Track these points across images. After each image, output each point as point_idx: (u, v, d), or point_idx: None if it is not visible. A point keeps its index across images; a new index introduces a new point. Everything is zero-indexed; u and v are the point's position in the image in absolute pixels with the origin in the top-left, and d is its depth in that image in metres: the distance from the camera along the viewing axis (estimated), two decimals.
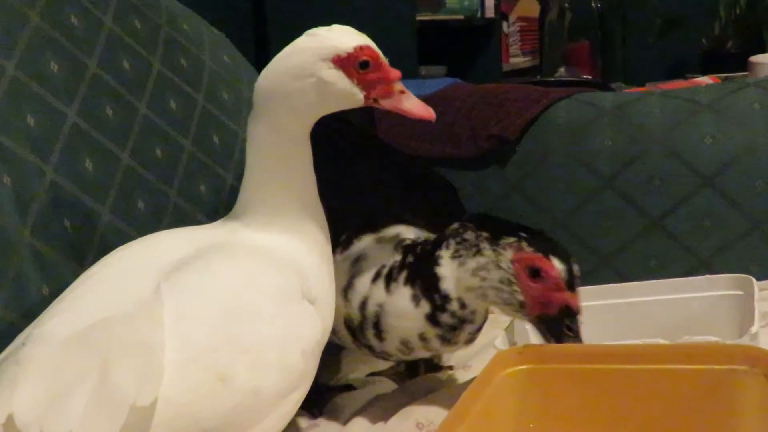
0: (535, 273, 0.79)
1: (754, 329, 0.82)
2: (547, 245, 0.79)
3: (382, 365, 1.11)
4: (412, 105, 0.77)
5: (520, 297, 0.80)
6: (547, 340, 0.80)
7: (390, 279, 0.85)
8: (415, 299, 0.84)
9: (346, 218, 0.90)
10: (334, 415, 0.94)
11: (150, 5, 1.14)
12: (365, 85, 0.75)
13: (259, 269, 0.74)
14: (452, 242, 0.84)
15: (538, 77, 2.52)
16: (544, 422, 0.73)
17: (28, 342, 0.62)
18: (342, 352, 1.13)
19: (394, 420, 0.88)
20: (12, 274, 0.80)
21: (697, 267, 1.23)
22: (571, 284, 0.79)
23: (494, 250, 0.81)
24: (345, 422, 0.91)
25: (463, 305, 0.83)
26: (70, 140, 0.91)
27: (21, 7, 0.91)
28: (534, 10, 3.05)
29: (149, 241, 0.78)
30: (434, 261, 0.84)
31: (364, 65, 0.74)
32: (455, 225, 0.85)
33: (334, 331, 0.91)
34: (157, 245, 0.76)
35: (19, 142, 0.85)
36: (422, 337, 0.85)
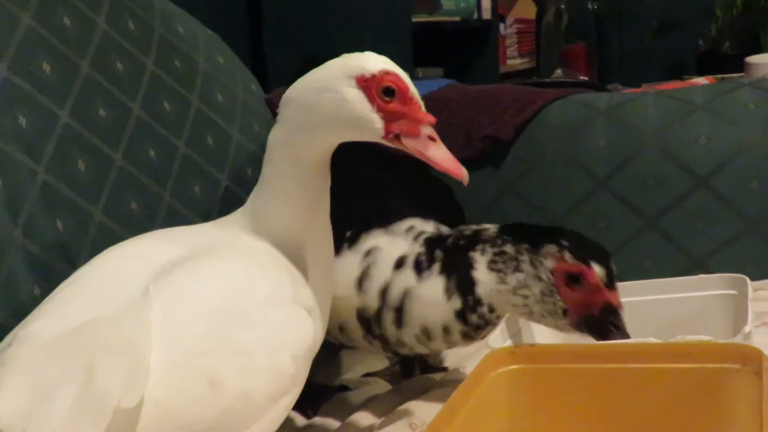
0: (574, 280, 0.81)
1: (747, 329, 0.82)
2: (586, 251, 0.81)
3: (378, 366, 1.11)
4: (439, 155, 0.72)
5: (563, 305, 0.81)
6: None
7: (420, 268, 0.86)
8: (448, 292, 0.85)
9: (349, 217, 0.90)
10: (329, 416, 0.94)
11: (143, 6, 1.14)
12: (386, 115, 0.71)
13: (251, 273, 0.73)
14: (489, 250, 0.85)
15: (535, 78, 2.52)
16: (536, 422, 0.73)
17: (15, 342, 0.61)
18: (338, 353, 1.13)
19: (388, 420, 0.88)
20: (3, 274, 0.79)
21: (691, 267, 1.23)
22: (610, 283, 0.81)
23: (533, 263, 0.82)
24: (339, 423, 0.91)
25: (491, 309, 0.85)
26: (63, 141, 0.91)
27: (13, 8, 0.91)
28: (531, 11, 3.05)
29: (141, 241, 0.77)
30: (469, 263, 0.85)
31: (388, 92, 0.71)
32: (493, 230, 0.86)
33: (341, 329, 0.91)
34: (149, 246, 0.75)
35: (10, 143, 0.85)
36: (445, 329, 0.86)
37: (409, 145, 0.72)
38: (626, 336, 0.80)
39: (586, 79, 2.53)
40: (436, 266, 0.85)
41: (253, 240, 0.76)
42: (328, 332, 0.85)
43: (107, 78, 1.01)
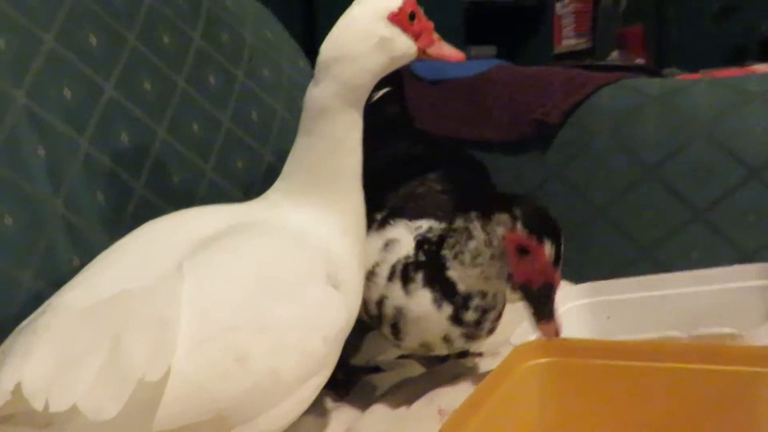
0: (524, 252, 0.79)
1: None
2: (541, 226, 0.79)
3: None
4: (450, 50, 0.81)
5: (509, 269, 0.81)
6: (529, 311, 0.81)
7: (407, 278, 0.85)
8: (437, 303, 0.84)
9: (384, 196, 0.90)
10: (359, 397, 0.94)
11: None
12: (415, 36, 0.78)
13: (285, 251, 0.73)
14: (451, 240, 0.84)
15: (589, 60, 2.48)
16: (564, 415, 0.72)
17: (48, 311, 0.62)
18: (371, 333, 1.13)
19: (417, 404, 0.88)
20: (43, 244, 0.81)
21: (740, 261, 1.19)
22: (556, 263, 0.80)
23: (485, 230, 0.81)
24: (369, 405, 0.91)
25: (484, 295, 0.84)
26: (107, 113, 0.92)
27: None
28: None
29: (181, 216, 0.78)
30: (442, 264, 0.84)
31: (413, 17, 0.78)
32: (458, 222, 0.85)
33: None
34: (188, 221, 0.76)
35: (55, 114, 0.86)
36: (446, 339, 0.86)
37: (432, 52, 0.80)
38: (552, 315, 0.79)
39: (642, 62, 2.47)
40: (420, 276, 0.85)
41: (291, 211, 0.77)
42: None
43: (153, 51, 1.01)
